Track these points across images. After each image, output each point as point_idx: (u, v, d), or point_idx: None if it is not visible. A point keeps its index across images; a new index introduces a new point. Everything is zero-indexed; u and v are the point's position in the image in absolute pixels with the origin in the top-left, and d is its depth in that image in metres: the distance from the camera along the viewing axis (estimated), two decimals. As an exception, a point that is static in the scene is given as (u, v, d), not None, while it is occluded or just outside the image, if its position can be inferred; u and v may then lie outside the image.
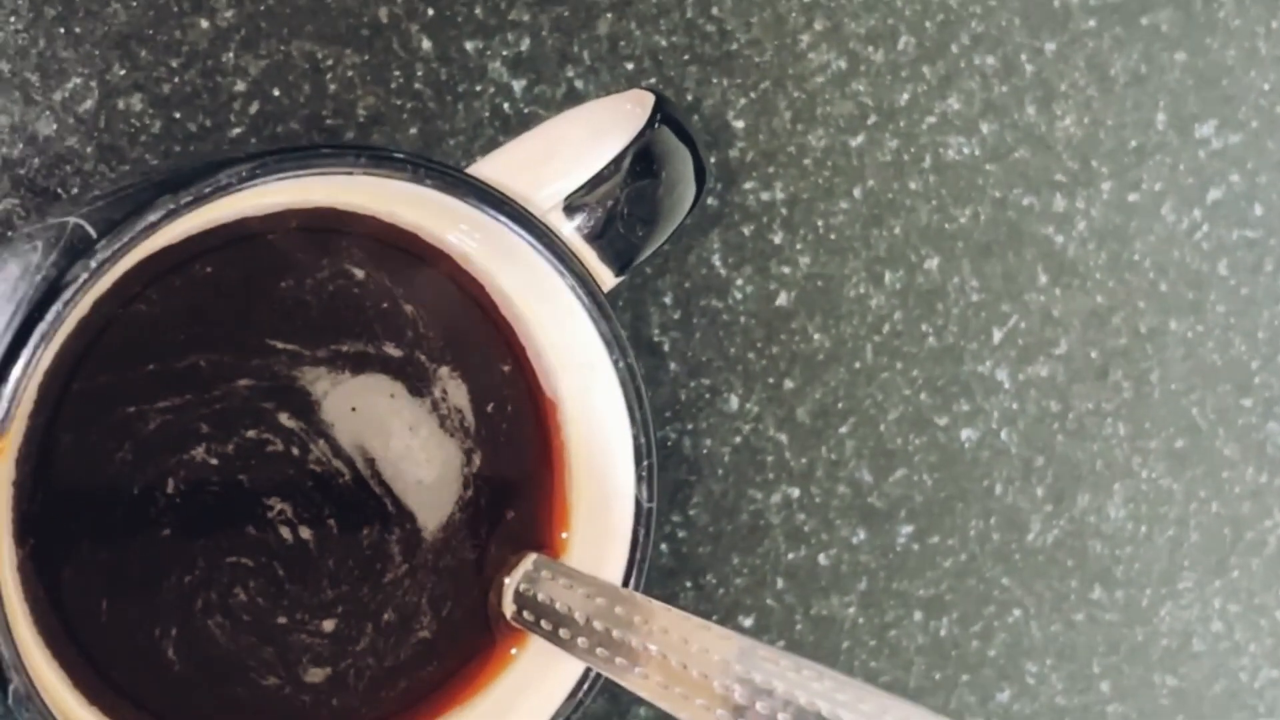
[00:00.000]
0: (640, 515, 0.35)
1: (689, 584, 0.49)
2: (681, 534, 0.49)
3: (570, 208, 0.35)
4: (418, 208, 0.34)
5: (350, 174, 0.32)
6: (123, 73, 0.42)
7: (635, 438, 0.35)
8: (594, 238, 0.36)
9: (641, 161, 0.36)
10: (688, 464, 0.49)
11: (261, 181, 0.31)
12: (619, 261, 0.36)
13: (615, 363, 0.35)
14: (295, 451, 0.37)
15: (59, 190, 0.41)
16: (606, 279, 0.36)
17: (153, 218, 0.29)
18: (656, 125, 0.36)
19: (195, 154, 0.42)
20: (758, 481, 0.49)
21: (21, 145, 0.41)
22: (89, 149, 0.42)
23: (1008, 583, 0.52)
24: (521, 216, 0.34)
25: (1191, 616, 0.54)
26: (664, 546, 0.49)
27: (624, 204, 0.36)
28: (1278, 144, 0.53)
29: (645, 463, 0.35)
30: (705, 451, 0.49)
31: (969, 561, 0.52)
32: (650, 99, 0.37)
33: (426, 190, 0.33)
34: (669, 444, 0.48)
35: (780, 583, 0.50)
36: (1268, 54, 0.53)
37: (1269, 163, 0.53)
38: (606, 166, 0.36)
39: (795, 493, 0.50)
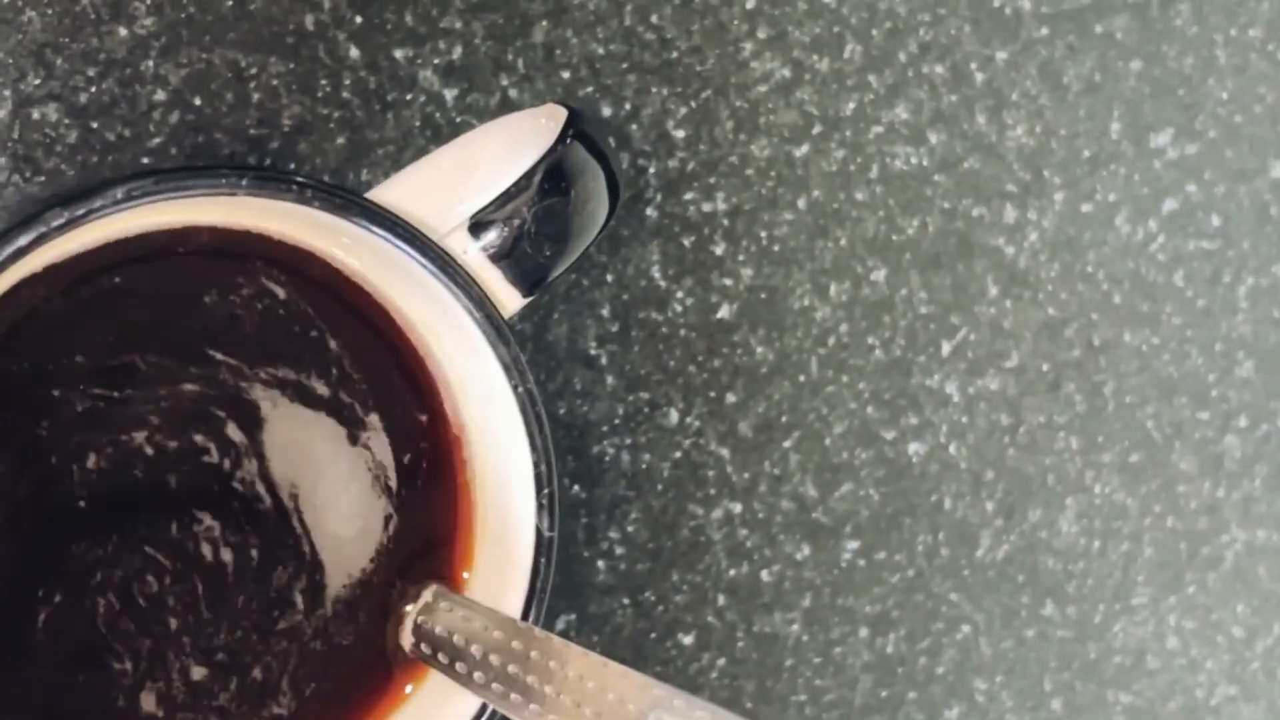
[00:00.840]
0: (541, 545, 0.35)
1: (627, 601, 0.48)
2: (620, 550, 0.48)
3: (477, 225, 0.35)
4: (313, 230, 0.34)
5: (233, 195, 0.31)
6: (38, 82, 0.41)
7: (535, 465, 0.34)
8: (500, 257, 0.35)
9: (551, 178, 0.35)
10: (626, 479, 0.48)
11: (139, 203, 0.30)
12: (527, 281, 0.35)
13: (515, 388, 0.34)
14: (228, 466, 0.36)
15: (-29, 202, 0.41)
16: (513, 300, 0.35)
17: (23, 241, 0.29)
18: (568, 140, 0.35)
19: (113, 166, 0.41)
20: (699, 497, 0.49)
21: (-67, 156, 0.40)
22: (2, 159, 0.41)
23: (956, 599, 0.51)
24: (413, 238, 0.33)
25: (1146, 633, 0.53)
26: (601, 563, 0.48)
27: (532, 222, 0.35)
28: (1236, 154, 0.52)
29: (546, 490, 0.34)
30: (644, 466, 0.48)
31: (917, 577, 0.51)
32: (563, 113, 0.36)
33: (315, 212, 0.32)
34: (607, 459, 0.48)
35: (722, 599, 0.49)
36: (1226, 63, 0.52)
37: (1227, 173, 0.52)
38: (515, 183, 0.35)
39: (737, 508, 0.49)
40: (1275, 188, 0.53)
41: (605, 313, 0.47)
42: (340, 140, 0.44)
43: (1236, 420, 0.53)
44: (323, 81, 0.44)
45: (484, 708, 0.34)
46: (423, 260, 0.33)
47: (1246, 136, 0.52)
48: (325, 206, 0.32)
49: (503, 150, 0.36)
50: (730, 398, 0.49)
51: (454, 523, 0.36)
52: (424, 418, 0.36)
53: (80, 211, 0.29)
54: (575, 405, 0.47)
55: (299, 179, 0.32)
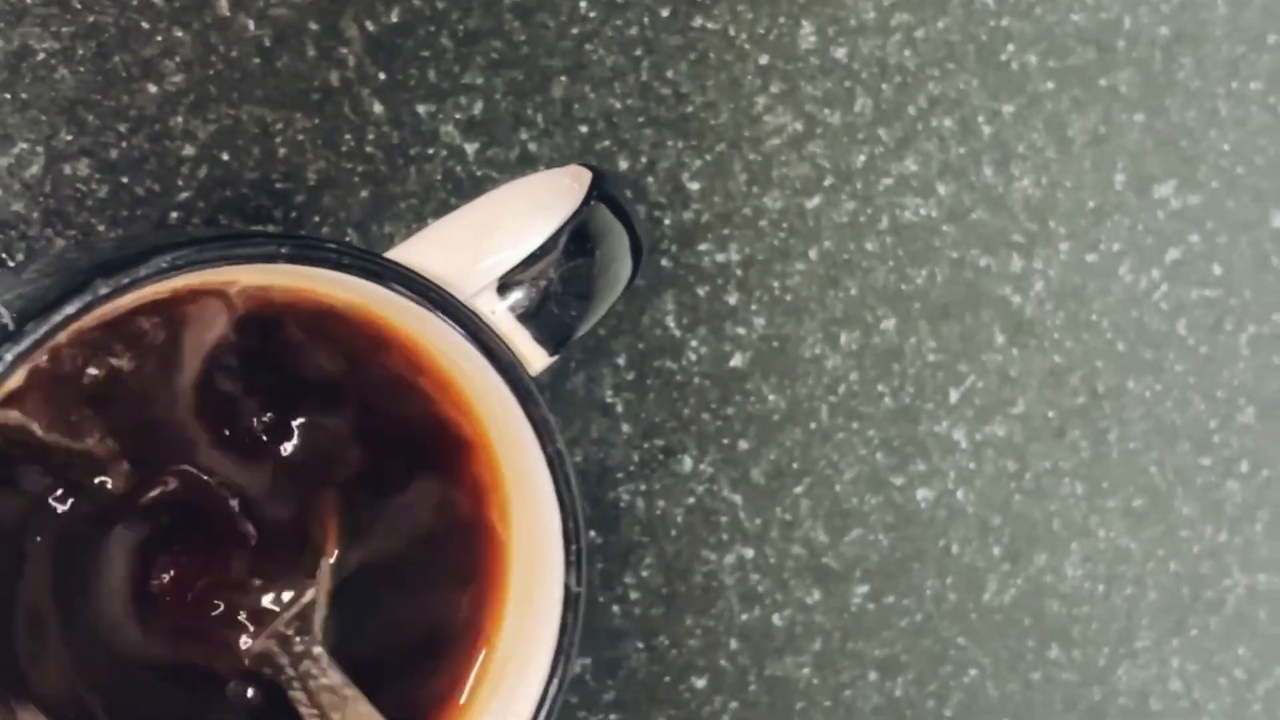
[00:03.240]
0: (569, 601, 0.35)
1: (641, 645, 0.49)
2: (634, 595, 0.49)
3: (505, 286, 0.35)
4: (351, 293, 0.34)
5: (274, 263, 0.32)
6: (70, 138, 0.42)
7: (564, 522, 0.35)
8: (528, 317, 0.35)
9: (577, 240, 0.36)
10: (640, 525, 0.49)
11: (183, 272, 0.31)
12: (553, 341, 0.36)
13: (544, 448, 0.35)
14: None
15: (3, 255, 0.41)
16: (540, 359, 0.36)
17: (70, 310, 0.30)
18: (592, 202, 0.36)
19: (134, 232, 0.42)
20: (711, 542, 0.49)
21: (-33, 211, 0.41)
22: (35, 215, 0.42)
23: (964, 642, 0.52)
24: (447, 303, 0.34)
25: (1149, 676, 0.54)
26: (615, 608, 0.49)
27: (558, 283, 0.36)
28: (1238, 204, 0.53)
29: (574, 547, 0.35)
30: (658, 513, 0.49)
31: (925, 621, 0.52)
32: (587, 175, 0.37)
33: (352, 278, 0.33)
34: (621, 505, 0.48)
35: (734, 644, 0.50)
36: (1228, 115, 0.53)
37: (1228, 223, 0.53)
38: (543, 244, 0.36)
39: (749, 553, 0.50)
40: (1276, 237, 0.54)
41: (621, 361, 0.48)
42: (364, 194, 0.45)
43: (1238, 466, 0.54)
44: (347, 136, 0.45)
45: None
46: (457, 324, 0.34)
47: (1247, 187, 0.53)
48: (362, 274, 0.32)
49: (527, 210, 0.37)
50: (743, 445, 0.49)
51: (489, 585, 0.37)
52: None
53: (125, 281, 0.30)
54: (592, 452, 0.48)
55: (335, 245, 0.32)
